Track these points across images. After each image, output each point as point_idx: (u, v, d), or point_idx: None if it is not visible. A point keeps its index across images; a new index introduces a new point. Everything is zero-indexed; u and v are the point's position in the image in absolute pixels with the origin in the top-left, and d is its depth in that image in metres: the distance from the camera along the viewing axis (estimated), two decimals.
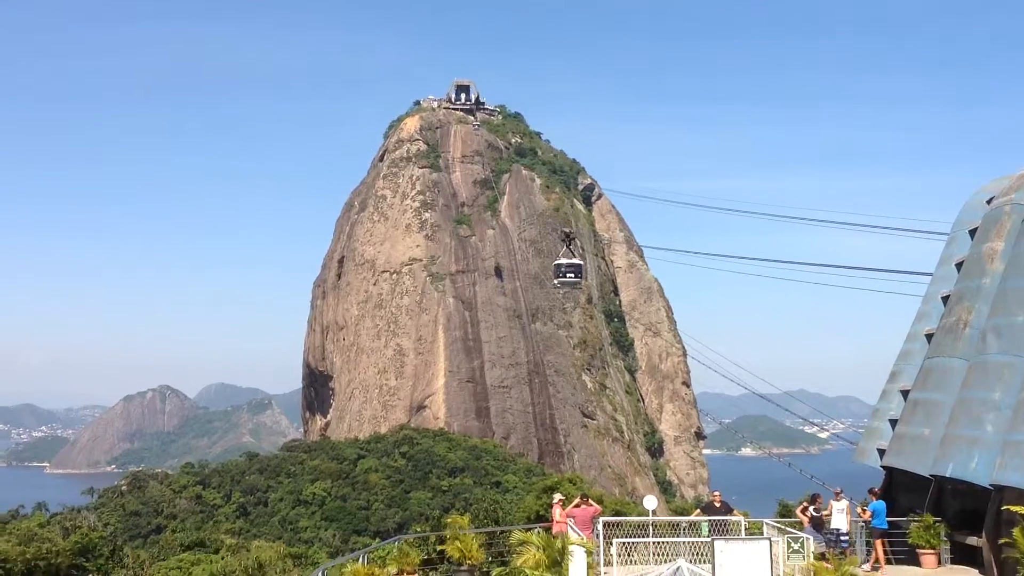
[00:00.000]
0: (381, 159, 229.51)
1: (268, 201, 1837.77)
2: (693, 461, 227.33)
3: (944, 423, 29.36)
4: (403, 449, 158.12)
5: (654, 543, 25.80)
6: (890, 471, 33.20)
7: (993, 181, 34.62)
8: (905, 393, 33.53)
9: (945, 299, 33.41)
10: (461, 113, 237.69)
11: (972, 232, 33.38)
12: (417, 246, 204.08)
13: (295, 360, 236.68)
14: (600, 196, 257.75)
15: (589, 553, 23.42)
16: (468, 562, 26.86)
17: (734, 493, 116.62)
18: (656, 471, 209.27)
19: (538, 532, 25.12)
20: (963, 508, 29.13)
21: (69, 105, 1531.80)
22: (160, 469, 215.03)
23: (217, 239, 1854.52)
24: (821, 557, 25.30)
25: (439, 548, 30.13)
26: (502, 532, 33.92)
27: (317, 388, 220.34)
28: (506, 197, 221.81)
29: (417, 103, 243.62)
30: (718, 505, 30.95)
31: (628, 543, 25.65)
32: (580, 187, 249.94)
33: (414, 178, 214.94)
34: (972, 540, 27.85)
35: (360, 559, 25.71)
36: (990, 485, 26.06)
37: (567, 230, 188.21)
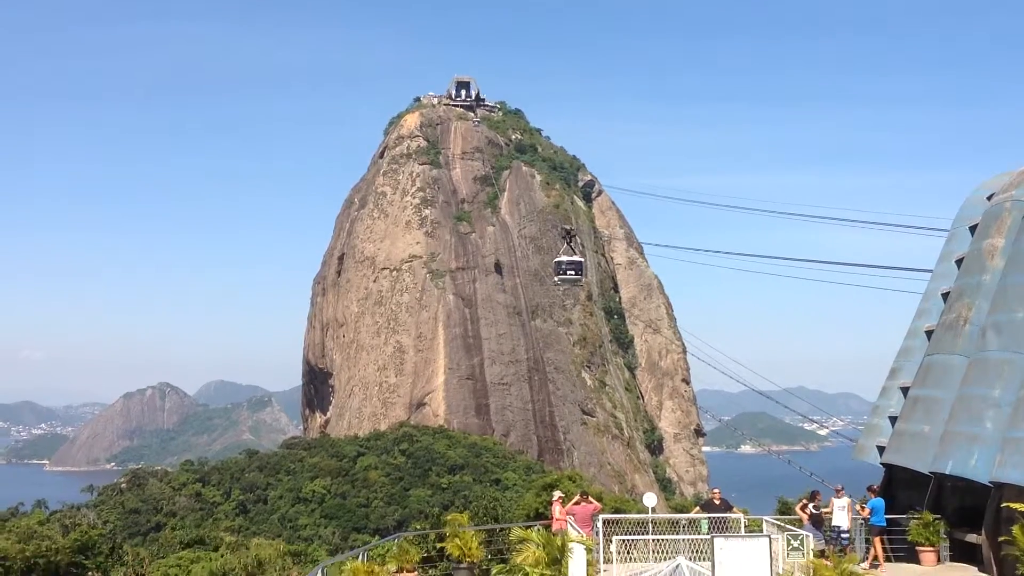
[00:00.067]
0: (381, 156, 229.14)
1: (268, 200, 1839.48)
2: (693, 458, 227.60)
3: (944, 420, 29.33)
4: (403, 446, 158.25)
5: (654, 540, 25.77)
6: (889, 468, 33.19)
7: (994, 177, 34.57)
8: (905, 390, 33.52)
9: (945, 295, 33.37)
10: (461, 110, 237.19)
11: (972, 228, 33.35)
12: (417, 243, 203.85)
13: (295, 357, 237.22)
14: (600, 193, 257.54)
15: (589, 550, 23.37)
16: (468, 560, 26.88)
17: (734, 490, 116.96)
18: (656, 468, 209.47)
19: (538, 530, 25.14)
20: (963, 505, 29.07)
21: (69, 105, 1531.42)
22: (160, 467, 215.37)
23: (217, 238, 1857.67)
24: (821, 554, 25.30)
25: (439, 546, 30.20)
26: (502, 530, 33.97)
27: (317, 385, 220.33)
28: (506, 194, 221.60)
29: (417, 100, 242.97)
30: (718, 502, 30.89)
31: (628, 540, 25.59)
32: (580, 184, 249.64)
33: (414, 175, 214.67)
34: (972, 537, 27.81)
35: (360, 557, 25.67)
36: (990, 482, 26.03)
37: (567, 227, 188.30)
